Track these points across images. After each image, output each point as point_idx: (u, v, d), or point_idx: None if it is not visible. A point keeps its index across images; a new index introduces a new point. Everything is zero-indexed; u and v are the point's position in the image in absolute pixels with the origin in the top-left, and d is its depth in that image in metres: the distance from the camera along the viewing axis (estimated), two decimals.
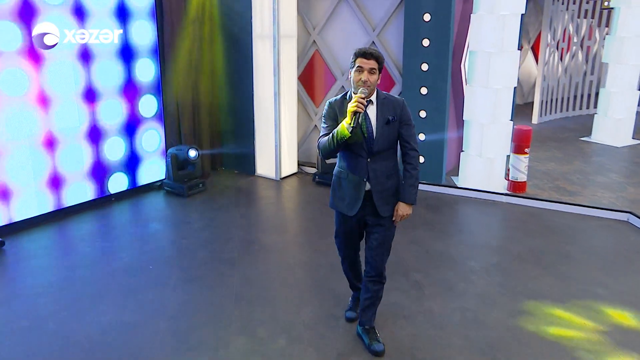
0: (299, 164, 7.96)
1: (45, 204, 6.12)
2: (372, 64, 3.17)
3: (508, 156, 7.02)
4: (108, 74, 6.50)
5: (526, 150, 6.71)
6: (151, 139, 7.14)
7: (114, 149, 6.73)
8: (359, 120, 3.09)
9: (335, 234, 3.64)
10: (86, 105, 6.34)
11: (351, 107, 3.05)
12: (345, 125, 3.11)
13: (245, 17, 7.23)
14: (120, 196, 6.90)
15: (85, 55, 6.23)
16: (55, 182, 6.18)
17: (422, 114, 6.93)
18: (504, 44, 6.39)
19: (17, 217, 5.89)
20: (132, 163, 6.97)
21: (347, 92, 3.34)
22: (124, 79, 6.68)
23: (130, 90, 6.78)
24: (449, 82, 6.79)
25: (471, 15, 6.60)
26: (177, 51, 7.12)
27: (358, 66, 3.17)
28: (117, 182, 6.84)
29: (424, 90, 6.86)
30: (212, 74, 7.62)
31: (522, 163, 6.74)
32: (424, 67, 6.79)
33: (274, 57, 7.21)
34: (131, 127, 6.88)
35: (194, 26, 7.24)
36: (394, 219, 3.39)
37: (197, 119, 7.53)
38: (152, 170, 7.20)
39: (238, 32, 7.37)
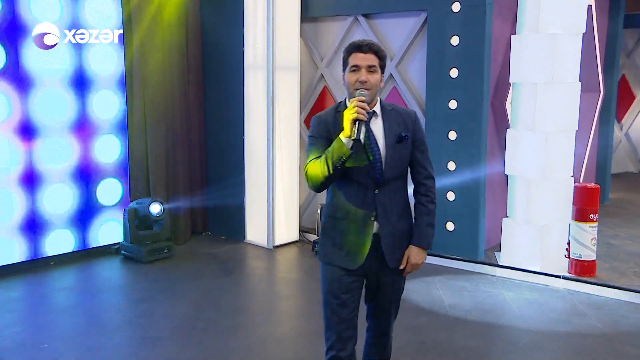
0: (302, 231, 7.16)
1: None
2: (371, 59, 2.79)
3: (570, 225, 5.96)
4: (55, 106, 6.09)
5: (592, 216, 5.63)
6: (110, 190, 6.62)
7: (57, 200, 6.21)
8: (362, 133, 2.67)
9: (324, 303, 3.00)
10: (21, 142, 5.90)
11: (349, 114, 2.66)
12: (343, 141, 2.69)
13: (235, 42, 6.75)
14: (63, 260, 6.33)
15: (22, 81, 5.85)
16: None
17: (451, 165, 6.07)
18: (554, 72, 5.49)
19: None
20: (82, 219, 6.43)
21: (340, 103, 2.95)
22: (76, 114, 6.25)
23: (84, 127, 6.33)
24: (485, 124, 5.93)
25: (512, 36, 5.78)
26: (148, 82, 6.66)
27: (353, 65, 2.79)
28: (60, 242, 6.29)
29: (452, 135, 6.03)
30: (193, 110, 7.09)
31: (587, 235, 5.65)
32: (452, 104, 5.99)
33: (267, 92, 6.61)
34: (84, 173, 6.39)
35: (170, 52, 6.80)
36: (401, 267, 2.96)
37: (172, 166, 6.94)
38: (110, 229, 6.62)
39: (227, 60, 6.90)
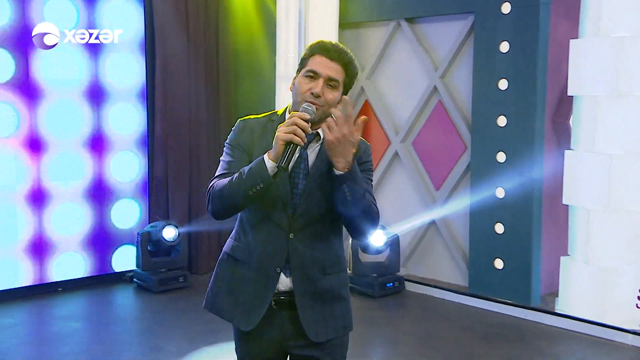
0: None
1: None
2: (336, 70, 2.36)
3: None
4: (68, 119, 6.12)
5: None
6: (127, 212, 6.57)
7: (68, 221, 6.21)
8: (292, 161, 2.28)
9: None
10: (29, 157, 5.95)
11: (283, 131, 2.24)
12: (266, 163, 2.28)
13: (267, 49, 6.59)
14: (72, 286, 6.30)
15: (32, 93, 5.91)
16: None
17: (500, 192, 5.59)
18: (620, 83, 4.94)
19: None
20: (95, 243, 6.40)
21: (275, 113, 2.52)
22: (91, 128, 6.27)
23: (100, 143, 6.33)
24: (541, 145, 5.45)
25: (570, 41, 5.27)
26: (171, 94, 6.61)
27: (310, 70, 2.35)
28: (69, 267, 6.26)
29: (501, 157, 5.58)
30: (220, 125, 6.96)
31: None
32: (501, 121, 5.54)
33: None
34: (97, 193, 6.37)
35: (197, 62, 6.73)
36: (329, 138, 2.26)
37: (195, 187, 6.82)
38: (125, 254, 6.56)
39: (258, 70, 6.76)
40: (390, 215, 6.45)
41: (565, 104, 5.76)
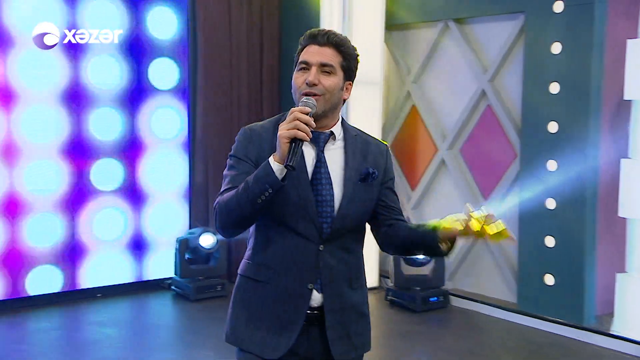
0: (382, 275, 6.70)
1: None
2: (328, 54, 2.26)
3: None
4: (105, 123, 6.21)
5: None
6: (168, 218, 6.61)
7: (107, 225, 6.28)
8: (298, 154, 2.12)
9: None
10: (74, 164, 6.08)
11: (284, 129, 2.12)
12: (272, 166, 2.14)
13: None
14: (111, 292, 6.39)
15: (77, 97, 6.03)
16: (14, 262, 5.88)
17: (550, 203, 5.37)
18: None
19: None
20: (135, 249, 6.47)
21: (282, 116, 2.35)
22: (127, 132, 6.34)
23: (137, 147, 6.40)
24: (596, 153, 5.24)
25: (628, 41, 5.02)
26: (215, 97, 6.64)
27: (300, 62, 2.28)
28: (108, 273, 6.34)
29: (552, 165, 5.36)
30: None
31: None
32: (552, 127, 5.33)
33: (343, 113, 6.28)
34: (137, 197, 6.44)
35: (240, 63, 6.76)
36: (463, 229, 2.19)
37: None
38: (165, 261, 6.59)
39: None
40: None
41: (622, 108, 5.50)
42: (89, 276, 6.26)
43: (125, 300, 6.34)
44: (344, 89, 2.31)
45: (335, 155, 2.31)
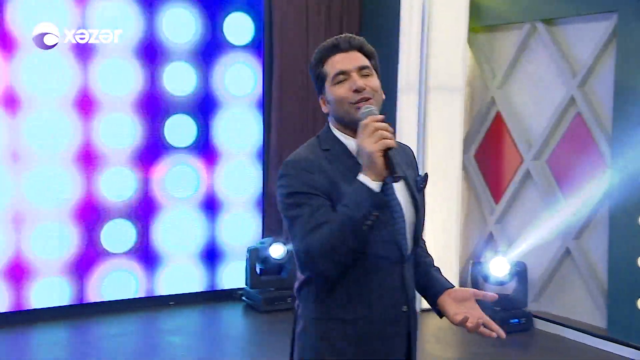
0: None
1: (68, 294, 6.01)
2: (359, 58, 2.19)
3: None
4: (179, 130, 6.34)
5: None
6: (242, 227, 6.67)
7: (178, 234, 6.40)
8: (396, 161, 2.04)
9: None
10: (142, 170, 6.21)
11: (372, 142, 2.00)
12: (368, 185, 2.01)
13: (390, 58, 6.41)
14: (184, 300, 6.49)
15: (155, 105, 6.18)
16: (84, 266, 6.08)
17: None
18: None
19: (26, 306, 5.84)
20: (206, 256, 6.56)
21: (319, 141, 2.21)
22: (202, 140, 6.44)
23: (213, 155, 6.49)
24: None
25: None
26: (290, 105, 6.65)
27: (337, 73, 2.15)
28: (181, 281, 6.48)
29: None
30: None
31: None
32: None
33: (419, 119, 6.15)
34: (210, 206, 6.53)
35: None
36: (470, 324, 2.12)
37: None
38: (239, 271, 6.61)
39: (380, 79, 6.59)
40: (520, 242, 6.00)
41: None
42: (164, 284, 6.39)
43: (196, 309, 6.44)
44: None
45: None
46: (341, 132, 2.18)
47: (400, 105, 6.37)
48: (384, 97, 2.21)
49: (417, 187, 2.24)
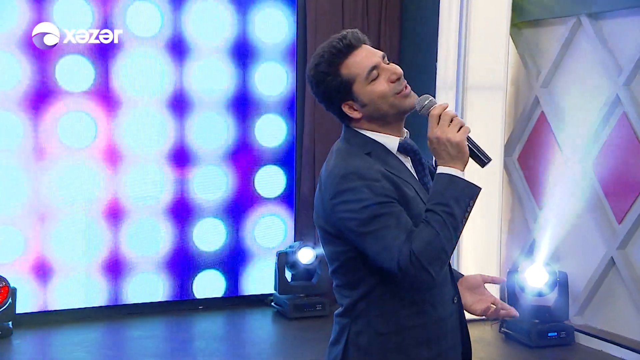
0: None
1: (95, 296, 6.15)
2: (372, 49, 2.14)
3: None
4: (211, 131, 6.40)
5: None
6: (271, 230, 6.69)
7: (209, 236, 6.47)
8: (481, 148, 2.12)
9: None
10: (174, 169, 6.30)
11: (452, 132, 2.03)
12: (460, 174, 2.04)
13: (429, 55, 6.33)
14: (212, 305, 6.54)
15: (180, 105, 6.26)
16: (115, 268, 6.20)
17: None
18: None
19: (57, 305, 6.02)
20: (235, 261, 6.58)
21: (350, 147, 2.15)
22: (234, 140, 6.48)
23: (244, 156, 6.52)
24: None
25: None
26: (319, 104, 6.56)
27: (371, 68, 2.07)
28: (209, 285, 6.52)
29: None
30: None
31: None
32: None
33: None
34: (239, 208, 6.54)
35: None
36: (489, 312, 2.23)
37: None
38: (268, 275, 6.62)
39: (418, 78, 6.49)
40: (561, 250, 5.82)
41: None
42: (195, 288, 6.47)
43: (224, 314, 6.49)
44: None
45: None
46: (377, 132, 2.13)
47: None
48: None
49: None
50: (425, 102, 2.09)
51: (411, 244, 1.94)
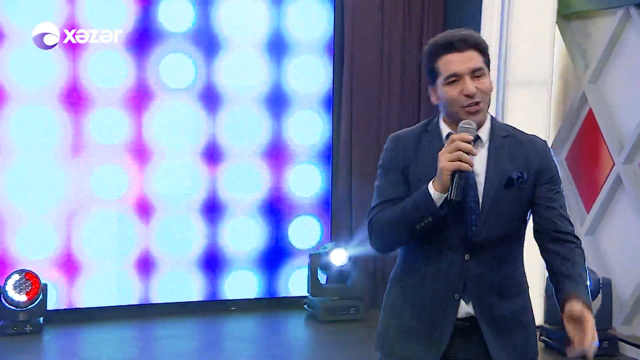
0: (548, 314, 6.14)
1: (125, 294, 6.31)
2: (474, 58, 2.36)
3: None
4: (245, 128, 6.48)
5: None
6: (306, 230, 6.73)
7: (242, 236, 6.55)
8: (461, 186, 2.28)
9: None
10: (206, 166, 6.40)
11: (446, 160, 2.27)
12: (432, 195, 2.30)
13: None
14: (245, 306, 6.62)
15: (212, 100, 6.36)
16: (145, 266, 6.34)
17: None
18: None
19: (87, 303, 6.21)
20: (269, 261, 6.65)
21: (432, 120, 2.52)
22: (269, 138, 6.55)
23: (278, 154, 6.58)
24: None
25: None
26: (362, 101, 6.63)
27: (447, 76, 2.33)
28: (242, 285, 6.62)
29: None
30: None
31: None
32: None
33: (496, 115, 5.92)
34: (275, 208, 6.62)
35: (391, 65, 6.67)
36: (580, 342, 2.25)
37: None
38: (303, 277, 6.66)
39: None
40: (609, 256, 5.63)
41: None
42: (227, 288, 6.57)
43: (258, 316, 6.57)
44: (491, 86, 2.41)
45: (480, 159, 2.38)
46: (446, 123, 2.42)
47: None
48: (491, 91, 2.40)
49: (507, 182, 2.36)
50: (462, 126, 2.29)
51: (377, 213, 2.41)
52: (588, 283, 2.43)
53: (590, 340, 2.23)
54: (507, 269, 2.44)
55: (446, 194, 2.24)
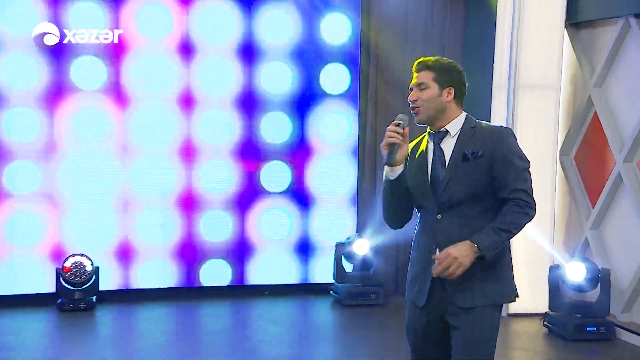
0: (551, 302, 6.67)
1: (170, 277, 7.13)
2: (422, 76, 3.24)
3: None
4: (277, 128, 7.22)
5: None
6: (334, 223, 7.40)
7: (275, 226, 7.29)
8: (393, 155, 3.18)
9: (406, 332, 3.45)
10: (242, 164, 7.17)
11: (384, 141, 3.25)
12: (385, 167, 3.28)
13: (486, 56, 6.84)
14: (278, 292, 7.32)
15: (248, 103, 7.12)
16: (187, 254, 7.16)
17: None
18: None
19: (136, 285, 7.07)
20: (300, 251, 7.36)
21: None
22: (296, 136, 7.26)
23: (304, 150, 7.29)
24: None
25: None
26: (386, 100, 7.28)
27: (410, 87, 3.30)
28: (273, 271, 7.33)
29: None
30: None
31: None
32: None
33: (507, 117, 6.50)
34: (303, 201, 7.32)
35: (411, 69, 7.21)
36: (435, 265, 3.09)
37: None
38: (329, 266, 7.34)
39: (475, 79, 6.95)
40: (610, 250, 6.18)
41: None
42: (257, 273, 7.29)
43: (288, 300, 7.22)
44: (442, 95, 3.18)
45: (448, 146, 3.21)
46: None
47: (493, 104, 6.76)
48: (446, 100, 3.16)
49: (463, 157, 3.14)
50: (397, 117, 3.19)
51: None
52: (505, 227, 3.02)
53: (436, 268, 3.02)
54: (476, 224, 3.10)
55: (391, 166, 3.17)
